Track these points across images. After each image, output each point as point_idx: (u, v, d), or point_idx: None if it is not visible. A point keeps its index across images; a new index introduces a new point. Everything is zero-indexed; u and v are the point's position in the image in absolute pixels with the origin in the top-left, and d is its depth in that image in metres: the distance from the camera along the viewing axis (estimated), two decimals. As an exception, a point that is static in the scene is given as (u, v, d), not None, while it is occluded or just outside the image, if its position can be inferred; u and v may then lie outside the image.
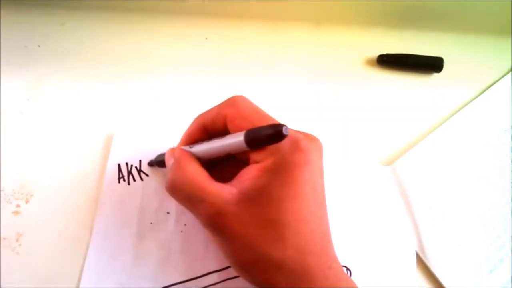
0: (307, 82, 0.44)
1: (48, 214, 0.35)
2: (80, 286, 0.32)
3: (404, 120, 0.42)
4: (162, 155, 0.34)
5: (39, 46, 0.44)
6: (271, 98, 0.42)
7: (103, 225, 0.35)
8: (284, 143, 0.25)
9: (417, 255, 0.35)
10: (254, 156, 0.27)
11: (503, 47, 0.47)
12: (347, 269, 0.34)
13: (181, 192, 0.27)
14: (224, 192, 0.26)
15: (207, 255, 0.34)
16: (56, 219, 0.35)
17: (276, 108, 0.41)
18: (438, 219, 0.37)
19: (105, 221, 0.35)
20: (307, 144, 0.26)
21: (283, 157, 0.26)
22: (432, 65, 0.45)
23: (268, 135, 0.25)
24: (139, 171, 0.37)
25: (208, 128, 0.30)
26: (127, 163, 0.37)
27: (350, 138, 0.41)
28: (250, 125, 0.27)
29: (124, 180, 0.36)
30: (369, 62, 0.45)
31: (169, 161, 0.29)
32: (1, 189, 0.36)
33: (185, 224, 0.35)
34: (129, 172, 0.37)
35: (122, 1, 0.45)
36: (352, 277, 0.34)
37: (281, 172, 0.25)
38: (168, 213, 0.35)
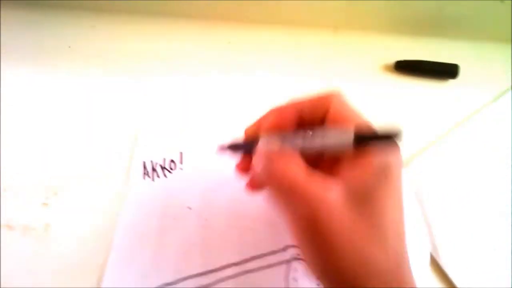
0: (326, 85, 0.45)
1: (74, 207, 0.37)
2: (105, 275, 0.34)
3: (419, 123, 0.43)
4: (238, 140, 0.31)
5: (69, 47, 0.46)
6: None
7: (128, 218, 0.36)
8: (386, 149, 0.24)
9: (431, 255, 0.36)
10: (356, 154, 0.24)
11: (519, 55, 0.48)
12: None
13: (283, 184, 0.24)
14: (332, 192, 0.23)
15: (226, 248, 0.35)
16: (82, 211, 0.37)
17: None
18: (451, 220, 0.37)
19: (130, 215, 0.36)
20: (398, 150, 0.25)
21: (388, 161, 0.24)
22: (448, 71, 0.46)
23: (384, 134, 0.23)
24: (163, 168, 0.38)
25: (304, 116, 0.27)
26: (151, 161, 0.38)
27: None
28: (357, 120, 0.25)
29: (148, 177, 0.38)
30: (387, 68, 0.46)
31: (261, 152, 0.26)
32: (32, 181, 0.38)
33: (206, 219, 0.36)
34: (153, 169, 0.38)
35: (150, 3, 0.47)
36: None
37: (388, 176, 0.24)
38: (189, 208, 0.36)
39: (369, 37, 0.48)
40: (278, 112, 0.28)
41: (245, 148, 0.29)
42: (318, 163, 0.26)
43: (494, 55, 0.48)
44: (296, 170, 0.24)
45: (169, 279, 0.34)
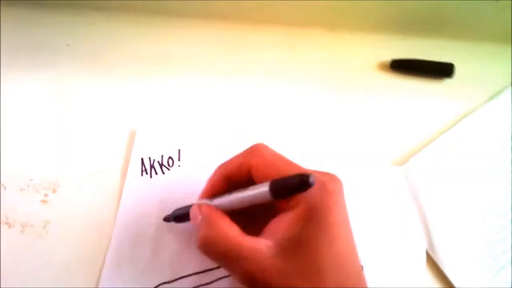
0: (321, 84, 0.45)
1: (74, 204, 0.37)
2: (103, 272, 0.34)
3: (415, 122, 0.43)
4: (180, 209, 0.34)
5: (68, 45, 0.46)
6: (286, 100, 0.44)
7: (126, 215, 0.36)
8: (311, 188, 0.24)
9: (427, 253, 0.36)
10: (282, 204, 0.26)
11: (514, 55, 0.48)
12: (359, 264, 0.35)
13: (216, 250, 0.26)
14: (261, 246, 0.25)
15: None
16: (81, 208, 0.37)
17: (291, 110, 0.43)
18: (448, 219, 0.38)
19: (128, 212, 0.36)
20: (333, 186, 0.26)
21: (313, 202, 0.25)
22: (443, 70, 0.46)
23: (294, 185, 0.24)
24: (161, 165, 0.39)
25: (231, 178, 0.29)
26: (149, 158, 0.39)
27: (364, 139, 0.42)
28: (277, 173, 0.26)
29: (146, 174, 0.38)
30: (382, 67, 0.47)
31: (196, 218, 0.29)
32: (30, 179, 0.38)
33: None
34: (152, 166, 0.38)
35: (149, 2, 0.47)
36: (364, 273, 0.35)
37: (314, 218, 0.25)
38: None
39: (364, 36, 0.48)
40: (209, 180, 0.31)
41: (187, 216, 0.31)
42: (252, 223, 0.28)
43: (489, 54, 0.48)
44: (226, 226, 0.27)
45: (167, 277, 0.34)
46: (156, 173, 0.38)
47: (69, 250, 0.35)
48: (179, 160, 0.39)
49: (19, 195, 0.37)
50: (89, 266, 0.34)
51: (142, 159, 0.39)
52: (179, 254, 0.35)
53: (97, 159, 0.39)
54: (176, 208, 0.34)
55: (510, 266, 0.36)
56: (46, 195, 0.37)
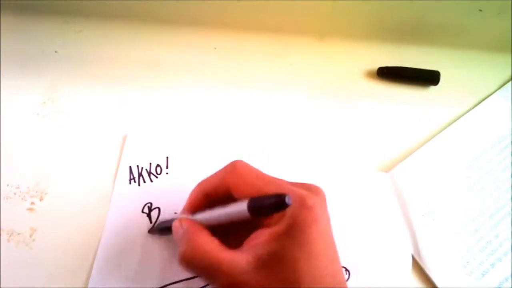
0: (310, 91, 0.46)
1: (61, 212, 0.37)
2: (90, 281, 0.34)
3: (402, 129, 0.44)
4: (164, 222, 0.34)
5: (56, 52, 0.46)
6: (273, 107, 0.44)
7: (114, 223, 0.36)
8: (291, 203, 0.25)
9: (413, 257, 0.37)
10: (262, 218, 0.27)
11: (498, 62, 0.49)
12: (346, 269, 0.36)
13: (196, 265, 0.27)
14: (240, 260, 0.25)
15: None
16: (68, 216, 0.37)
17: (279, 117, 0.43)
18: (433, 224, 0.38)
19: (116, 220, 0.36)
20: (312, 200, 0.26)
21: (292, 218, 0.25)
22: (429, 78, 0.47)
23: (271, 205, 0.25)
24: (149, 173, 0.39)
25: (210, 196, 0.30)
26: (137, 165, 0.39)
27: (351, 145, 0.43)
28: (255, 191, 0.27)
29: (134, 182, 0.38)
30: (369, 74, 0.47)
31: (177, 233, 0.29)
32: (17, 186, 0.38)
33: (192, 224, 0.36)
34: (140, 174, 0.38)
35: (137, 9, 0.47)
36: (351, 277, 0.35)
37: (293, 234, 0.25)
38: (175, 213, 0.37)
39: (352, 44, 0.49)
40: (189, 196, 0.31)
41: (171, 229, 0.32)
42: (233, 235, 0.28)
43: (474, 62, 0.49)
44: (206, 240, 0.27)
45: (155, 284, 0.34)
46: (144, 181, 0.38)
47: (56, 259, 0.35)
48: (167, 167, 0.39)
49: (5, 202, 0.37)
50: (76, 274, 0.34)
51: (130, 167, 0.39)
52: (168, 262, 0.35)
53: (85, 167, 0.39)
54: (161, 221, 0.35)
55: (492, 269, 0.37)
56: (33, 203, 0.37)
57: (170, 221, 0.31)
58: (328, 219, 0.27)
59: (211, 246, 0.27)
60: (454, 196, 0.40)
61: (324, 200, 0.28)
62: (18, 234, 0.36)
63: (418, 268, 0.37)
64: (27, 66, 0.44)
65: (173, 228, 0.30)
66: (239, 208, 0.27)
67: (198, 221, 0.29)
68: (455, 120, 0.44)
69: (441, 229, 0.38)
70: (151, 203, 0.37)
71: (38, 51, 0.45)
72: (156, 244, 0.35)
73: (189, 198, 0.31)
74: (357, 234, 0.37)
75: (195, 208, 0.30)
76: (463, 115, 0.45)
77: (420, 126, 0.44)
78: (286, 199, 0.24)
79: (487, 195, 0.40)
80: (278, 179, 0.28)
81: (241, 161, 0.29)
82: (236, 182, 0.28)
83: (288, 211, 0.26)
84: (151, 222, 0.36)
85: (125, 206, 0.37)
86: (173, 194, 0.36)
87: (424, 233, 0.38)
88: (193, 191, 0.31)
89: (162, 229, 0.35)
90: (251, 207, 0.26)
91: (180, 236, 0.29)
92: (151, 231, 0.36)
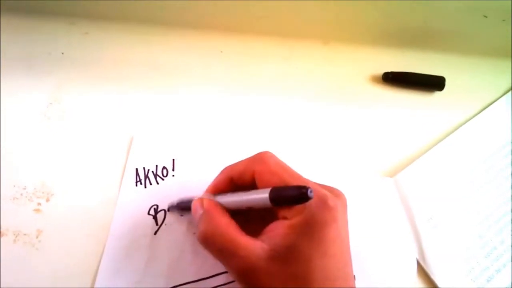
0: (315, 95, 0.46)
1: (67, 213, 0.37)
2: (96, 283, 0.34)
3: (407, 134, 0.44)
4: (184, 202, 0.35)
5: (62, 53, 0.46)
6: (279, 111, 0.44)
7: (120, 225, 0.36)
8: (312, 200, 0.25)
9: (418, 262, 0.37)
10: (282, 211, 0.27)
11: (502, 68, 0.50)
12: (351, 274, 0.36)
13: (214, 244, 0.27)
14: (256, 247, 0.26)
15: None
16: (75, 218, 0.37)
17: (284, 121, 0.43)
18: (438, 229, 0.38)
19: (122, 222, 0.36)
20: (334, 202, 0.26)
21: (312, 215, 0.26)
22: (434, 83, 0.47)
23: (293, 196, 0.25)
24: (155, 175, 0.39)
25: (235, 181, 0.30)
26: (144, 167, 0.39)
27: (356, 150, 0.43)
28: (279, 181, 0.27)
29: (141, 184, 0.38)
30: (375, 79, 0.48)
31: (197, 212, 0.30)
32: (23, 187, 0.38)
33: (197, 227, 0.36)
34: (146, 176, 0.39)
35: (143, 11, 0.48)
36: (356, 282, 0.35)
37: (310, 231, 0.26)
38: (181, 215, 0.37)
39: (357, 49, 0.49)
40: (214, 179, 0.32)
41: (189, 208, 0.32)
42: (252, 223, 0.29)
43: (479, 68, 0.49)
44: (226, 222, 0.28)
45: (162, 286, 0.34)
46: (151, 183, 0.38)
47: (62, 260, 0.35)
48: (173, 170, 0.39)
49: (12, 203, 0.37)
50: (82, 276, 0.34)
51: (136, 169, 0.39)
52: (174, 263, 0.35)
53: (92, 169, 0.39)
54: (180, 198, 0.35)
55: (497, 275, 0.37)
56: (39, 204, 0.37)
57: (191, 200, 0.32)
58: (346, 222, 0.28)
59: (230, 228, 0.27)
60: (459, 201, 0.40)
61: (345, 204, 0.28)
62: (24, 235, 0.36)
63: (423, 273, 0.37)
64: (34, 67, 0.45)
65: (193, 206, 0.31)
66: (261, 195, 0.27)
67: (219, 203, 0.30)
68: (460, 126, 0.45)
69: (446, 234, 0.38)
70: (157, 205, 0.37)
71: (45, 53, 0.46)
72: (162, 246, 0.35)
73: (214, 180, 0.32)
74: (362, 239, 0.37)
75: (218, 190, 0.31)
76: (468, 120, 0.45)
77: (425, 132, 0.44)
78: (308, 192, 0.24)
79: (491, 200, 0.40)
80: (302, 176, 0.29)
81: (270, 152, 0.30)
82: (262, 170, 0.29)
83: (309, 207, 0.26)
84: (157, 224, 0.36)
85: (131, 208, 0.37)
86: (179, 196, 0.36)
87: (429, 238, 0.38)
88: (219, 174, 0.32)
89: (182, 207, 0.35)
90: (272, 196, 0.26)
91: (200, 215, 0.29)
92: (172, 208, 0.36)
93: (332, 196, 0.27)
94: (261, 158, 0.30)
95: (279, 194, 0.26)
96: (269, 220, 0.28)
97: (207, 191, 0.32)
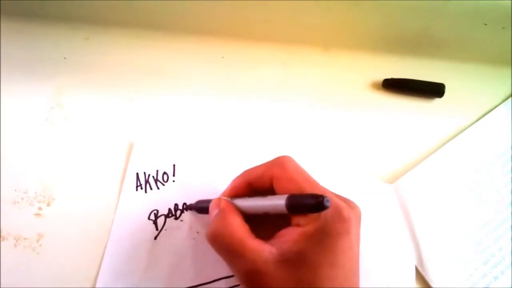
0: (315, 101, 0.46)
1: (68, 217, 0.37)
2: (96, 287, 0.34)
3: (406, 141, 0.44)
4: (203, 201, 0.35)
5: (65, 58, 0.46)
6: (279, 117, 0.44)
7: (120, 230, 0.36)
8: (327, 210, 0.25)
9: (417, 269, 0.37)
10: (296, 218, 0.27)
11: (502, 75, 0.50)
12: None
13: (222, 244, 0.28)
14: (264, 250, 0.26)
15: (217, 262, 0.35)
16: (75, 222, 0.37)
17: (284, 127, 0.44)
18: (437, 236, 0.38)
19: (122, 226, 0.36)
20: (348, 213, 0.26)
21: (326, 224, 0.26)
22: (434, 90, 0.47)
23: (309, 205, 0.25)
24: (156, 180, 0.39)
25: (253, 185, 0.31)
26: (144, 172, 0.39)
27: (356, 156, 0.43)
28: (296, 188, 0.27)
29: (141, 188, 0.38)
30: (375, 86, 0.48)
31: (213, 211, 0.30)
32: (24, 191, 0.38)
33: (197, 232, 0.36)
34: (146, 181, 0.39)
35: (144, 16, 0.48)
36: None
37: (322, 240, 0.26)
38: (182, 221, 0.37)
39: (358, 56, 0.50)
40: (232, 181, 0.32)
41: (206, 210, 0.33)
42: (265, 227, 0.29)
43: (478, 75, 0.50)
44: (237, 223, 0.28)
45: (161, 290, 0.34)
46: (151, 188, 0.38)
47: (63, 264, 0.35)
48: (173, 175, 0.39)
49: (13, 207, 0.37)
50: (83, 280, 0.34)
51: (137, 174, 0.39)
52: (174, 268, 0.35)
53: (93, 173, 0.39)
54: (200, 199, 0.36)
55: (495, 282, 0.37)
56: (40, 208, 0.37)
57: (209, 201, 0.32)
58: (358, 235, 0.28)
59: (240, 229, 0.27)
60: (458, 208, 0.40)
61: (359, 217, 0.28)
62: (25, 239, 0.36)
63: (422, 279, 0.37)
64: (36, 72, 0.45)
65: (211, 206, 0.31)
66: (278, 201, 0.27)
67: (236, 205, 0.30)
68: (459, 132, 0.45)
69: (445, 241, 0.38)
70: (157, 210, 0.37)
71: (46, 57, 0.46)
72: (162, 251, 0.35)
73: (232, 183, 0.32)
74: (360, 245, 0.37)
75: (235, 194, 0.31)
76: (467, 127, 0.45)
77: (424, 138, 0.45)
78: (325, 202, 0.24)
79: (490, 207, 0.40)
80: (320, 184, 0.29)
81: (290, 157, 0.30)
82: (280, 176, 0.29)
83: (324, 217, 0.26)
84: (157, 229, 0.36)
85: (132, 212, 0.37)
86: (179, 202, 0.37)
87: (428, 245, 0.38)
88: (237, 177, 0.32)
89: (201, 208, 0.36)
90: (289, 203, 0.26)
91: (215, 214, 0.29)
92: (189, 207, 0.37)
93: (347, 208, 0.27)
94: (280, 162, 0.29)
95: (296, 201, 0.26)
96: (282, 225, 0.28)
97: (224, 194, 0.32)
